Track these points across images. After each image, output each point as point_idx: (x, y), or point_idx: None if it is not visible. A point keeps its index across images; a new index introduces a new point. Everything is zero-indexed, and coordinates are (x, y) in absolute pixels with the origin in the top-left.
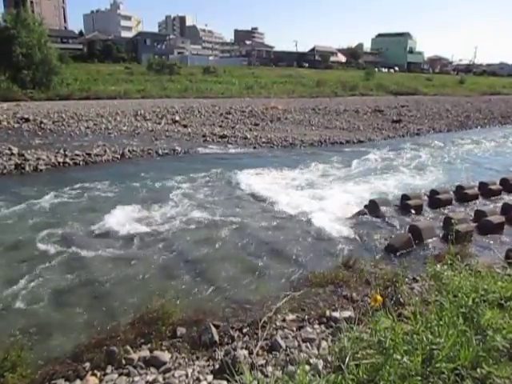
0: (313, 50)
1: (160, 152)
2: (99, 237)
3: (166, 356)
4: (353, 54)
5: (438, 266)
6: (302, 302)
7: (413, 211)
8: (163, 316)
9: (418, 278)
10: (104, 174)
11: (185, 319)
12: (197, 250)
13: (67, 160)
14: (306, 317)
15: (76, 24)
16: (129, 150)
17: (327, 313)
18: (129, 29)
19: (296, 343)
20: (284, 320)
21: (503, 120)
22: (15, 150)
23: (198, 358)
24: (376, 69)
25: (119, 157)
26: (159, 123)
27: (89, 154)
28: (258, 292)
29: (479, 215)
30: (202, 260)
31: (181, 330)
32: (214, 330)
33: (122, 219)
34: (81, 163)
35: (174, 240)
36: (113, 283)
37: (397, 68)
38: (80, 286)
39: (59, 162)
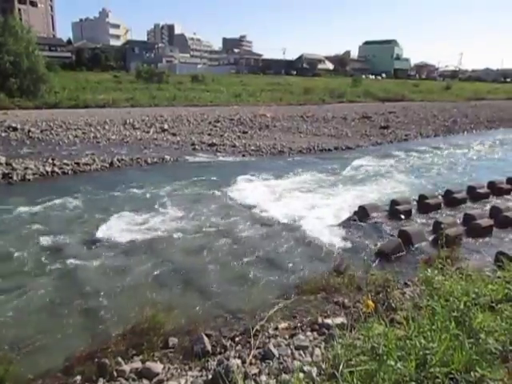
0: (300, 57)
1: (149, 161)
2: (89, 247)
3: (158, 367)
4: (340, 61)
5: (429, 270)
6: (294, 309)
7: (402, 216)
8: (155, 326)
9: (409, 282)
10: (93, 183)
11: (177, 329)
12: (188, 259)
13: (55, 169)
14: (299, 324)
15: (64, 32)
16: (118, 159)
17: (319, 320)
18: (117, 37)
19: (289, 351)
20: (276, 328)
21: (489, 124)
22: (2, 160)
23: (190, 368)
24: (363, 76)
25: (108, 166)
26: (148, 132)
27: (77, 163)
28: (250, 300)
29: (468, 219)
30: (193, 269)
31: (173, 341)
32: (206, 339)
33: (111, 229)
34: (69, 172)
35: (165, 249)
36: (103, 294)
37: (384, 75)
38: (70, 297)
39: (47, 172)
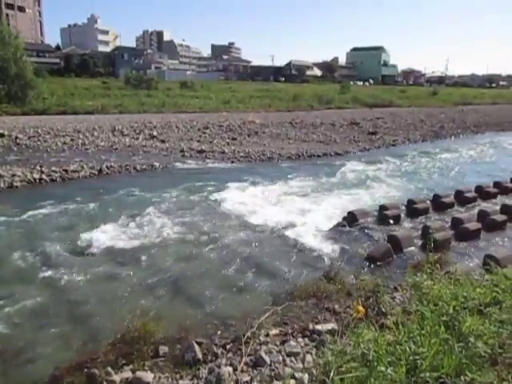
0: (289, 64)
1: (138, 168)
2: (78, 255)
3: (148, 376)
4: (328, 67)
5: (418, 275)
6: (285, 315)
7: (391, 221)
8: (145, 335)
9: (398, 287)
10: (81, 190)
11: (167, 338)
12: (177, 266)
13: (43, 176)
14: (290, 331)
15: (53, 38)
16: (106, 166)
17: (310, 326)
18: (106, 43)
19: (280, 358)
20: (267, 335)
21: (475, 129)
22: None
23: (181, 377)
24: (351, 82)
25: (97, 173)
26: (137, 138)
27: (66, 171)
28: (241, 307)
29: (456, 223)
30: (183, 276)
31: (163, 349)
32: (197, 347)
33: (100, 237)
34: (57, 179)
35: (154, 257)
36: (92, 303)
37: (372, 81)
38: (58, 307)
39: (35, 179)
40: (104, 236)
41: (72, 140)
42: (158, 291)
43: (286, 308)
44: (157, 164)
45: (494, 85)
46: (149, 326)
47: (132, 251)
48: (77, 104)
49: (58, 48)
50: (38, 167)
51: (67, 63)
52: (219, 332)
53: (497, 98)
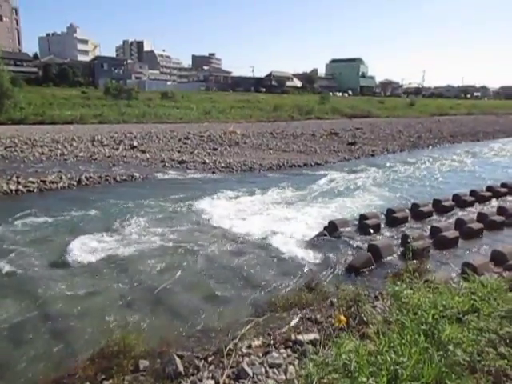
0: (269, 75)
1: (118, 178)
2: (56, 268)
3: None
4: (308, 78)
5: (398, 284)
6: (267, 326)
7: (371, 230)
8: (125, 349)
9: (379, 296)
10: (60, 201)
11: (147, 351)
12: (158, 278)
13: (20, 187)
14: (272, 341)
15: (31, 47)
16: (86, 177)
17: (292, 336)
18: (85, 53)
19: (263, 369)
20: (250, 346)
21: (452, 139)
22: None
23: None
24: (331, 93)
25: (76, 183)
26: (117, 149)
27: (44, 181)
28: (223, 319)
29: (435, 231)
30: (163, 288)
31: (144, 363)
32: (178, 360)
33: (78, 249)
34: (35, 190)
35: (134, 269)
36: (71, 316)
37: (350, 92)
38: (35, 321)
39: (11, 190)
40: (83, 248)
41: (50, 150)
42: (138, 303)
43: (268, 319)
44: (137, 175)
45: (468, 96)
46: (129, 339)
47: (112, 263)
48: (55, 114)
49: (35, 57)
50: (14, 178)
51: (45, 72)
52: (201, 344)
53: (472, 109)
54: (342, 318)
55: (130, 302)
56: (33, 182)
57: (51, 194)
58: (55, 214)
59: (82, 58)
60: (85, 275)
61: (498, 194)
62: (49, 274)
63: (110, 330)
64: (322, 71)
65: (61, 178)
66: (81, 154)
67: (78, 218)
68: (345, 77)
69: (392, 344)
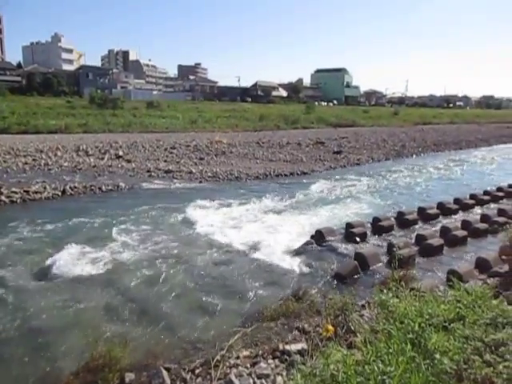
0: (255, 85)
1: (103, 188)
2: (39, 280)
3: None
4: (293, 88)
5: (384, 292)
6: (255, 337)
7: (357, 239)
8: (110, 362)
9: (366, 304)
10: (44, 212)
11: (134, 364)
12: (144, 289)
13: (3, 198)
14: (260, 352)
15: (14, 56)
16: (70, 187)
17: (280, 346)
18: (70, 62)
19: (251, 380)
20: (238, 357)
21: (435, 148)
22: None
23: None
24: (316, 102)
25: (60, 194)
26: (102, 158)
27: (27, 192)
28: (210, 330)
29: (420, 239)
30: (149, 299)
31: (129, 376)
32: (164, 373)
33: (63, 260)
34: (18, 201)
35: (120, 280)
36: (55, 329)
37: (335, 101)
38: (17, 335)
39: None
40: (67, 259)
41: (34, 160)
42: (124, 315)
43: (256, 329)
44: (123, 184)
45: (451, 105)
46: (114, 352)
47: (97, 274)
48: (39, 123)
49: (19, 66)
50: None
51: (29, 81)
52: (188, 356)
53: (454, 118)
54: (330, 327)
55: (116, 313)
56: (16, 193)
57: (35, 204)
58: (39, 225)
59: (66, 67)
60: (69, 287)
61: (481, 202)
62: (33, 287)
63: (95, 343)
64: (307, 81)
65: (45, 188)
66: (65, 164)
67: (63, 229)
68: (330, 86)
69: (379, 353)
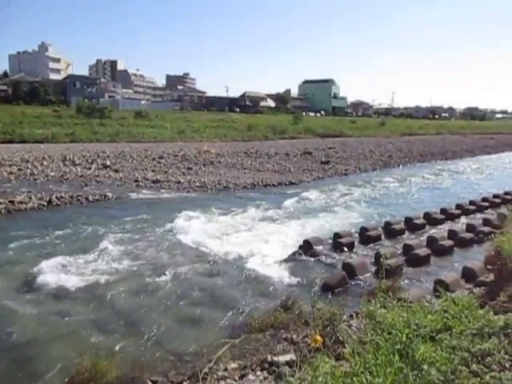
0: (243, 95)
1: (90, 198)
2: (24, 292)
3: None
4: (281, 99)
5: (372, 303)
6: (243, 348)
7: (345, 249)
8: (96, 376)
9: (354, 314)
10: (29, 222)
11: (120, 377)
12: (131, 300)
13: None
14: (248, 364)
15: (0, 65)
16: (56, 197)
17: (269, 358)
18: (58, 71)
19: None
20: (226, 369)
21: (421, 158)
22: None
23: None
24: (304, 113)
25: (46, 204)
26: (89, 168)
27: (12, 202)
28: (197, 341)
29: (407, 249)
30: (136, 311)
31: None
32: None
33: (48, 271)
34: (3, 211)
35: (107, 291)
36: (39, 343)
37: (323, 112)
38: (1, 348)
39: None
40: (52, 271)
41: (19, 170)
42: (110, 327)
43: (244, 340)
44: (110, 194)
45: (436, 116)
46: (100, 365)
47: (83, 286)
48: (25, 132)
49: (5, 75)
50: None
51: (15, 90)
52: (175, 368)
53: (440, 129)
54: (318, 337)
55: (102, 325)
56: (0, 203)
57: (20, 214)
58: (24, 236)
59: (54, 76)
60: (54, 299)
61: (466, 212)
62: (16, 299)
63: (80, 357)
64: (294, 92)
65: (30, 198)
66: (52, 174)
67: (48, 240)
68: (317, 97)
69: (367, 365)
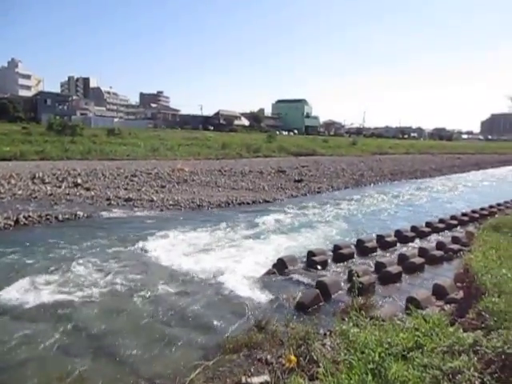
0: (217, 113)
1: (60, 217)
2: None
3: None
4: (255, 117)
5: (345, 321)
6: (217, 370)
7: (319, 267)
8: None
9: (328, 333)
10: None
11: None
12: (100, 322)
13: None
14: None
15: None
16: (24, 216)
17: (243, 379)
18: (28, 88)
19: None
20: None
21: (392, 177)
22: None
23: None
24: (277, 132)
25: (13, 224)
26: (59, 186)
27: None
28: (170, 364)
29: (379, 266)
30: (107, 333)
31: None
32: None
33: (15, 294)
34: None
35: (75, 313)
36: (5, 368)
37: (296, 131)
38: None
39: None
40: (17, 292)
41: None
42: (79, 351)
43: (218, 362)
44: (80, 213)
45: (406, 136)
46: None
47: (51, 308)
48: None
49: None
50: None
51: None
52: None
53: (410, 148)
54: (292, 357)
55: (71, 349)
56: None
57: None
58: None
59: (24, 93)
60: (21, 322)
61: (436, 230)
62: None
63: (49, 382)
64: (268, 111)
65: None
66: (19, 192)
67: (14, 261)
68: (290, 117)
69: None
